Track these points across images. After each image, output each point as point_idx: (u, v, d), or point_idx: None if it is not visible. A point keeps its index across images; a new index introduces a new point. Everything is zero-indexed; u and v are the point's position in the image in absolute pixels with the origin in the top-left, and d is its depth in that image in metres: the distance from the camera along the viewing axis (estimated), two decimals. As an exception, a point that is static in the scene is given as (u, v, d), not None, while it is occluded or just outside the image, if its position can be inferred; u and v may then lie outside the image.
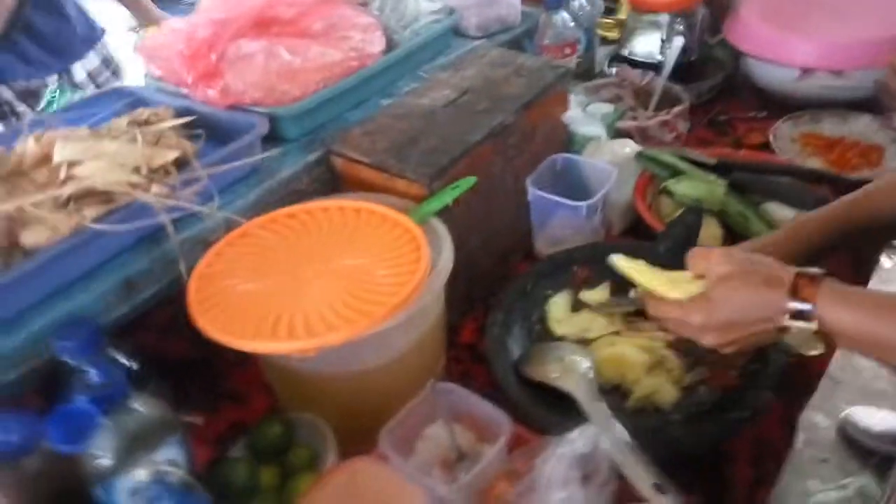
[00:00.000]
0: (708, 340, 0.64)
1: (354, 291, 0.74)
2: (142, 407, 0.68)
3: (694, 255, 0.66)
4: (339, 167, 0.94)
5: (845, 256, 1.04)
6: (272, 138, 0.94)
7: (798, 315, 0.58)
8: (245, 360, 0.95)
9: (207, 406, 0.95)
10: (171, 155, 0.79)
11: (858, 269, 1.08)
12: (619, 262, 0.74)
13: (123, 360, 0.68)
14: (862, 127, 1.24)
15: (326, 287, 0.75)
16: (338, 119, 1.01)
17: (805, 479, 1.94)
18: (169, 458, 0.67)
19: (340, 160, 0.93)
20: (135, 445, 0.65)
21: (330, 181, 0.96)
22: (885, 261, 2.59)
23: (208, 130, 0.93)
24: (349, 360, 0.77)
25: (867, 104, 1.21)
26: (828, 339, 0.58)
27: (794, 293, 0.58)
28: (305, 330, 0.69)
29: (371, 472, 0.71)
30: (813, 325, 0.57)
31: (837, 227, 0.74)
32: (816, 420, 2.08)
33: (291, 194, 0.92)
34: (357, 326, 0.68)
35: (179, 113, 0.94)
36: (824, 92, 1.27)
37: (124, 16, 1.78)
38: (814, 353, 0.59)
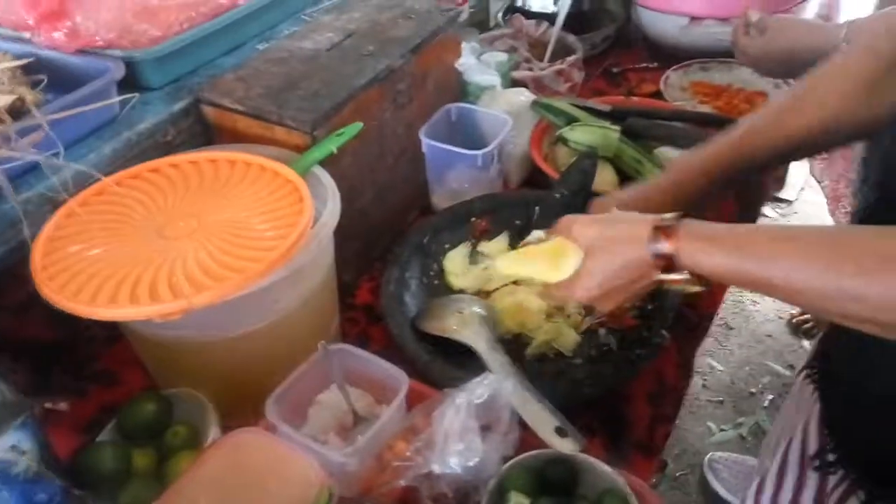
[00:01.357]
0: (601, 308, 0.64)
1: (228, 248, 0.67)
2: (-24, 390, 0.59)
3: (559, 227, 0.65)
4: (212, 117, 0.85)
5: (731, 204, 1.07)
6: (132, 86, 0.84)
7: (667, 265, 0.57)
8: (116, 338, 0.86)
9: (74, 390, 0.85)
10: (2, 101, 0.68)
11: (743, 216, 1.11)
12: (502, 267, 0.71)
13: (-50, 339, 0.58)
14: (747, 74, 1.27)
15: (197, 246, 0.67)
16: (210, 65, 0.92)
17: (704, 421, 2.04)
18: (13, 445, 0.58)
19: (212, 109, 0.84)
20: (-33, 434, 0.56)
21: (202, 133, 0.87)
22: (770, 212, 2.73)
23: (57, 78, 0.82)
24: (226, 324, 0.69)
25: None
26: (706, 280, 0.57)
27: (656, 245, 0.57)
28: (170, 292, 0.61)
29: (256, 444, 0.65)
30: (683, 273, 0.56)
31: (719, 171, 0.74)
32: (711, 365, 2.18)
33: (156, 147, 0.82)
34: (229, 285, 0.61)
35: (19, 58, 0.82)
36: (711, 40, 1.28)
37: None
38: (694, 290, 0.58)
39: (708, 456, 1.71)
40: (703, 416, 1.85)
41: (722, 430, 1.82)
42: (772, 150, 0.73)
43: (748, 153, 0.73)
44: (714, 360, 1.98)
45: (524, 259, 0.67)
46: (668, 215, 0.58)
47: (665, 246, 0.56)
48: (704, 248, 0.55)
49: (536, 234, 0.67)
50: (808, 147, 0.72)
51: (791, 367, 1.95)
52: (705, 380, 1.94)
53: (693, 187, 0.75)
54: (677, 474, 1.72)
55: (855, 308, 0.49)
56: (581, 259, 0.61)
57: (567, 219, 0.64)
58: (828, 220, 1.90)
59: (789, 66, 1.03)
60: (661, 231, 0.57)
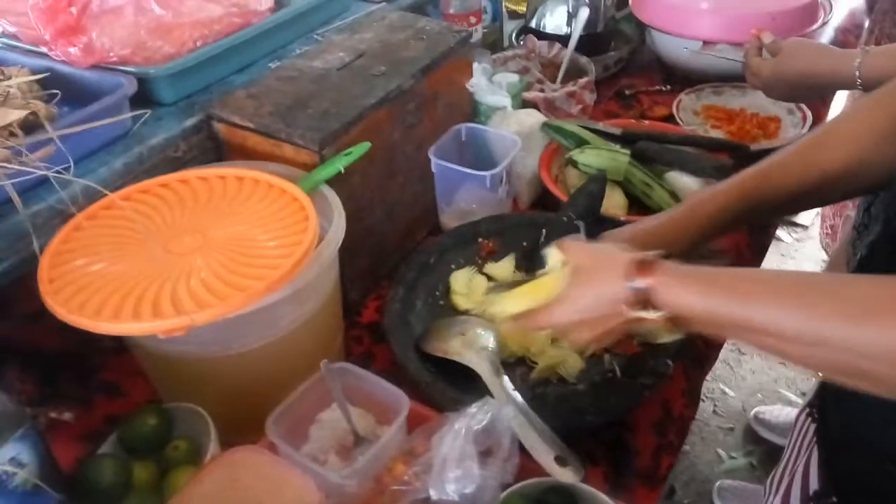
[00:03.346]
0: (575, 338, 0.61)
1: (232, 265, 0.67)
2: (-24, 401, 0.59)
3: (552, 250, 0.64)
4: (223, 134, 0.86)
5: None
6: (146, 101, 0.85)
7: (641, 303, 0.55)
8: (124, 349, 0.86)
9: (80, 399, 0.86)
10: (15, 115, 0.69)
11: (754, 241, 1.10)
12: (503, 314, 0.67)
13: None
14: (760, 99, 1.25)
15: (202, 262, 0.68)
16: (222, 82, 0.93)
17: (713, 448, 2.01)
18: (12, 457, 0.58)
19: (223, 126, 0.85)
20: (-34, 445, 0.56)
21: (213, 149, 0.88)
22: (785, 236, 2.70)
23: (72, 93, 0.83)
24: (229, 341, 0.70)
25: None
26: (681, 324, 0.55)
27: (632, 281, 0.55)
28: (173, 308, 0.62)
29: (254, 462, 0.65)
30: (658, 312, 0.54)
31: (736, 204, 0.71)
32: (723, 390, 2.15)
33: (167, 163, 0.83)
34: (232, 303, 0.62)
35: (36, 73, 0.84)
36: (724, 64, 1.28)
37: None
38: (671, 339, 0.57)
39: (717, 484, 1.68)
40: (714, 442, 1.83)
41: (732, 457, 1.79)
42: (799, 185, 0.69)
43: (774, 186, 0.70)
44: (726, 386, 1.96)
45: (516, 299, 0.66)
46: (650, 252, 0.57)
47: (642, 280, 0.55)
48: (681, 283, 0.53)
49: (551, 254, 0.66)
50: (836, 186, 0.69)
51: (804, 394, 1.92)
52: (716, 405, 1.91)
53: (710, 220, 0.72)
54: (685, 502, 1.69)
55: (837, 356, 0.47)
56: (565, 280, 0.60)
57: (567, 241, 0.64)
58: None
59: (801, 89, 1.01)
60: (640, 265, 0.55)
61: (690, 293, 0.53)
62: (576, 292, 0.58)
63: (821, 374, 0.52)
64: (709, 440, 1.83)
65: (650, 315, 0.54)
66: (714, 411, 1.90)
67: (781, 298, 0.49)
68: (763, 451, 1.79)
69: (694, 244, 0.72)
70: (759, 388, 1.95)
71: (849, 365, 0.47)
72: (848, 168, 0.67)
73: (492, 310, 0.68)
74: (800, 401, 1.90)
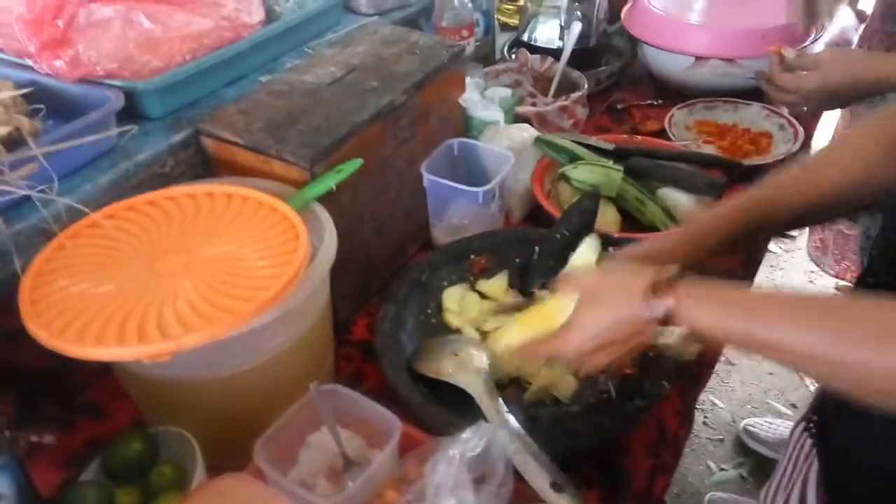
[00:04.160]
0: (592, 363, 0.62)
1: (221, 287, 0.66)
2: (-47, 429, 0.57)
3: (561, 281, 0.65)
4: (212, 149, 0.85)
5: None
6: (133, 116, 0.84)
7: (664, 321, 0.56)
8: (108, 370, 0.84)
9: (62, 422, 0.83)
10: (-2, 131, 0.67)
11: (746, 256, 1.10)
12: (502, 345, 0.72)
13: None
14: (752, 115, 1.27)
15: (190, 282, 0.66)
16: (211, 96, 0.91)
17: (703, 459, 2.00)
18: (-10, 489, 0.56)
19: (212, 141, 0.84)
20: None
21: (202, 165, 0.86)
22: (775, 247, 2.72)
23: (57, 107, 0.82)
24: (216, 364, 0.68)
25: (757, 93, 1.23)
26: (702, 340, 0.56)
27: (654, 302, 0.55)
28: (159, 331, 0.60)
29: (242, 490, 0.63)
30: (681, 329, 0.55)
31: (736, 226, 0.71)
32: (713, 402, 2.15)
33: (154, 179, 0.81)
34: (219, 326, 0.60)
35: (21, 87, 0.82)
36: (717, 80, 1.28)
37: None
38: (689, 352, 0.57)
39: (707, 496, 1.68)
40: (703, 454, 1.82)
41: (722, 469, 1.79)
42: (803, 204, 0.69)
43: (777, 206, 0.70)
44: (715, 397, 1.96)
45: (521, 329, 0.67)
46: (669, 268, 0.57)
47: (664, 300, 0.55)
48: (701, 305, 0.54)
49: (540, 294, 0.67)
50: (841, 203, 0.68)
51: (794, 406, 1.92)
52: (706, 417, 1.91)
53: (713, 242, 0.71)
54: (676, 515, 1.69)
55: (858, 378, 0.48)
56: (574, 304, 0.60)
57: (567, 274, 0.64)
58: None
59: (840, 99, 1.00)
60: (661, 285, 0.56)
61: (712, 315, 0.54)
62: (590, 318, 0.58)
63: (845, 394, 0.52)
64: (699, 452, 1.83)
65: (673, 334, 0.55)
66: (704, 423, 1.90)
67: (804, 320, 0.50)
68: (753, 462, 1.79)
69: (699, 264, 0.70)
70: (748, 400, 1.95)
71: (870, 387, 0.48)
72: (856, 184, 0.67)
73: (497, 347, 0.71)
74: (789, 412, 1.90)
